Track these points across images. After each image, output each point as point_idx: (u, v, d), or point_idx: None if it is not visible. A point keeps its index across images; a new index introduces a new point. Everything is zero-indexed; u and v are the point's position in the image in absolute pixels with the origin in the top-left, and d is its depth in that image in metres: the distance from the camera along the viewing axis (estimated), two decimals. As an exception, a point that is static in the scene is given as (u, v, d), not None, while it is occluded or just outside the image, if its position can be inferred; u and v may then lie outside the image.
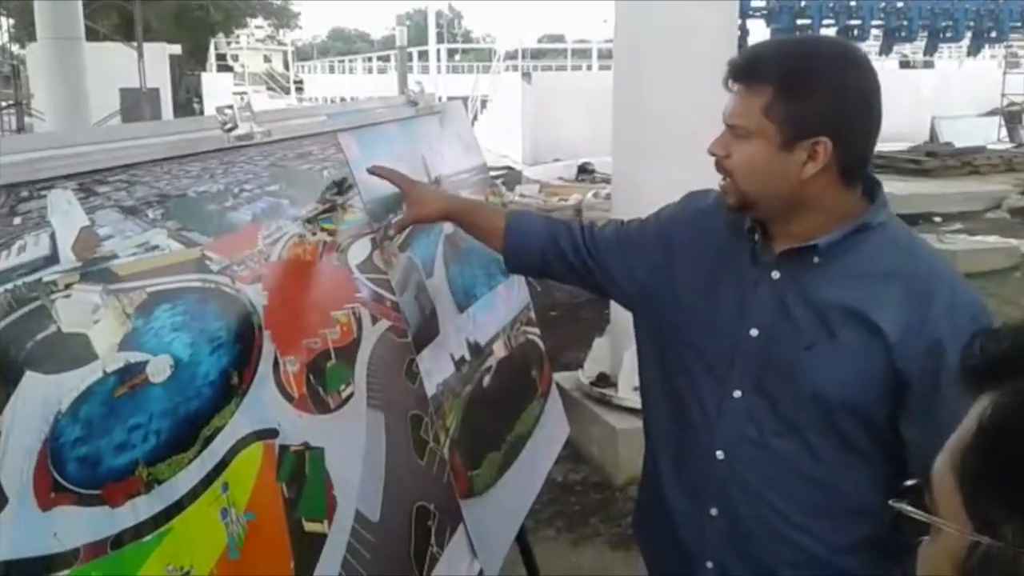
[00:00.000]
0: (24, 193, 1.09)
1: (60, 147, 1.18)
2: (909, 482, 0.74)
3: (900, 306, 1.42)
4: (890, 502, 0.74)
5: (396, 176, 1.91)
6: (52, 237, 1.10)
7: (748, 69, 1.45)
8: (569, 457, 4.49)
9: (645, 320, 1.73)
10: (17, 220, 1.07)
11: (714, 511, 1.58)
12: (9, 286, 1.02)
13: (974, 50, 16.07)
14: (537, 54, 31.77)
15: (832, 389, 1.45)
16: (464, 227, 1.96)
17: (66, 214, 1.13)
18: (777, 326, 1.50)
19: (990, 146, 16.01)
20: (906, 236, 1.54)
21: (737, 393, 1.54)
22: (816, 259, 1.48)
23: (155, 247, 1.25)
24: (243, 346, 1.36)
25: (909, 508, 0.72)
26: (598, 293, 1.87)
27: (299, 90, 34.70)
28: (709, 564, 1.60)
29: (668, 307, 1.64)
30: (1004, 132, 19.06)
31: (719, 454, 1.55)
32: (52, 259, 1.09)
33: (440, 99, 2.70)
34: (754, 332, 1.52)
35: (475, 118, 19.56)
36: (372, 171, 1.90)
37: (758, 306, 1.52)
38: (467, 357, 2.22)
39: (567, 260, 1.78)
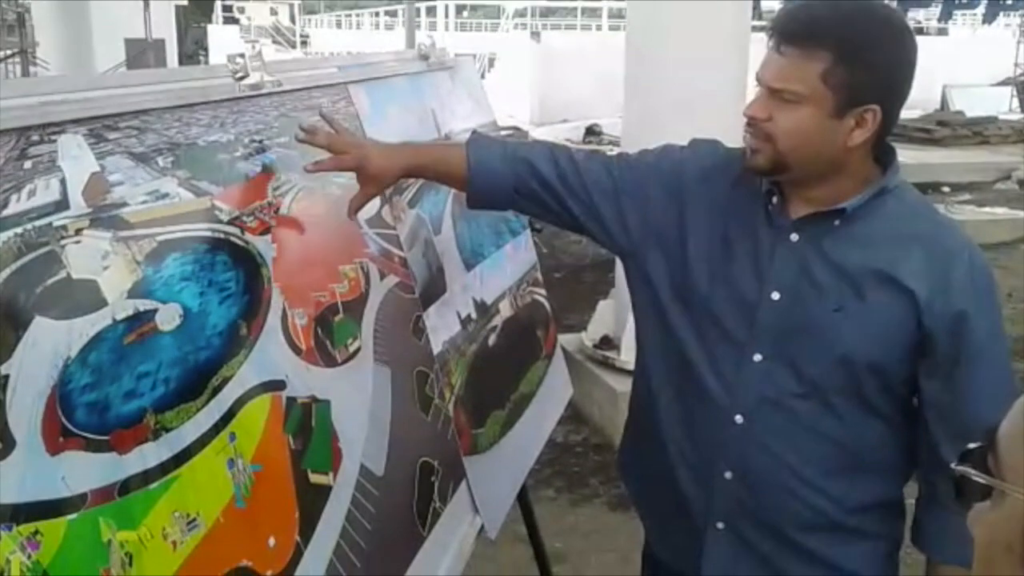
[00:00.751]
0: (35, 137, 1.08)
1: (71, 91, 1.16)
2: (971, 445, 0.73)
3: (924, 267, 1.45)
4: (952, 465, 0.73)
5: (338, 161, 1.58)
6: (62, 182, 1.09)
7: (806, 32, 1.40)
8: (570, 418, 4.51)
9: (641, 274, 1.65)
10: (27, 164, 1.05)
11: (728, 474, 1.58)
12: (19, 230, 1.01)
13: (989, 18, 15.91)
14: (546, 12, 31.48)
15: (862, 349, 1.47)
16: (424, 176, 1.78)
17: (76, 159, 1.12)
18: (800, 289, 1.50)
19: (1002, 116, 15.90)
20: (918, 199, 1.56)
21: (757, 357, 1.53)
22: (836, 222, 1.48)
23: (165, 195, 1.24)
24: (252, 297, 1.36)
25: (974, 472, 0.71)
26: (578, 232, 1.73)
27: (304, 44, 34.46)
28: (720, 525, 1.61)
29: (676, 265, 1.59)
30: (1016, 103, 18.92)
31: (738, 418, 1.55)
32: (62, 204, 1.08)
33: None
34: (775, 296, 1.51)
35: (482, 77, 19.41)
36: (301, 139, 1.56)
37: (777, 269, 1.51)
38: (473, 315, 2.21)
39: (540, 200, 1.66)
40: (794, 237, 1.51)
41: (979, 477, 0.71)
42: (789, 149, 1.44)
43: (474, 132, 1.82)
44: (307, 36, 35.98)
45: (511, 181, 1.66)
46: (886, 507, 1.61)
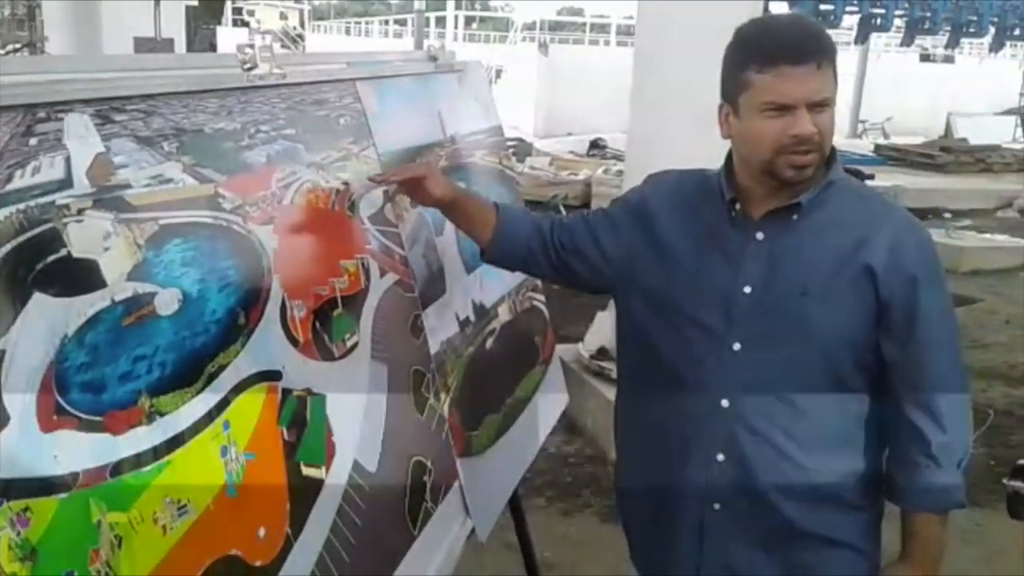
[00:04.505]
0: (41, 114, 1.08)
1: (80, 72, 1.16)
2: (1022, 461, 0.71)
3: (878, 243, 1.62)
4: (1005, 481, 0.72)
5: (406, 172, 1.81)
6: (67, 161, 1.09)
7: (816, 47, 1.57)
8: (564, 429, 4.50)
9: (629, 297, 1.81)
10: (33, 140, 1.06)
11: (721, 456, 1.70)
12: (22, 206, 1.01)
13: (996, 47, 15.92)
14: (555, 26, 31.56)
15: (830, 326, 1.63)
16: (457, 216, 1.90)
17: (82, 139, 1.12)
18: (769, 281, 1.65)
19: (1005, 145, 15.93)
20: (861, 186, 1.77)
21: (736, 346, 1.67)
22: (795, 217, 1.65)
23: (169, 180, 1.24)
24: (251, 287, 1.36)
25: None
26: (574, 283, 1.90)
27: (296, 43, 34.53)
28: (716, 506, 1.73)
29: (655, 280, 1.75)
30: (1020, 132, 18.97)
31: (724, 402, 1.68)
32: (66, 183, 1.08)
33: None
34: (747, 289, 1.66)
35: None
36: (374, 179, 1.80)
37: (747, 266, 1.67)
38: (472, 318, 2.21)
39: (548, 253, 1.85)
40: (759, 236, 1.67)
41: None
42: (826, 148, 1.61)
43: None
44: (302, 35, 36.03)
45: (526, 238, 1.86)
46: (867, 479, 1.72)
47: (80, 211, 1.09)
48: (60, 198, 1.06)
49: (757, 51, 1.58)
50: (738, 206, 1.69)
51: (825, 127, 1.58)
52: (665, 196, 1.79)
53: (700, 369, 1.70)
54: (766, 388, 1.66)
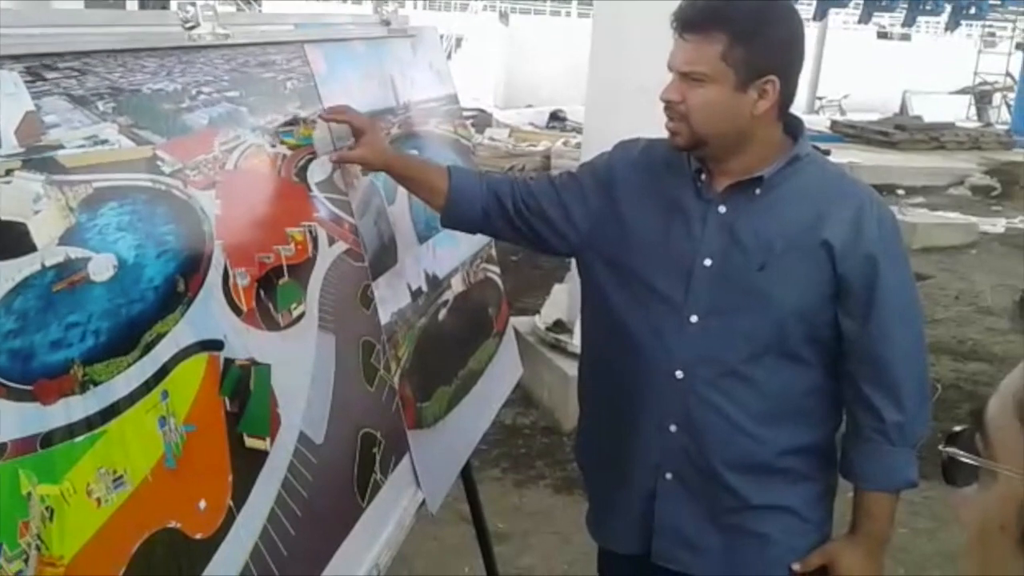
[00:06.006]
0: (-34, 70, 1.03)
1: (9, 26, 1.11)
2: (957, 428, 0.71)
3: (838, 220, 1.62)
4: (940, 447, 0.72)
5: (353, 117, 1.82)
6: (-7, 119, 1.04)
7: (703, 20, 1.57)
8: (519, 401, 4.50)
9: (591, 265, 1.82)
10: (-43, 98, 1.01)
11: (673, 427, 1.73)
12: (-56, 165, 0.96)
13: (952, 25, 16.10)
14: (516, -4, 31.31)
15: (786, 301, 1.64)
16: (404, 181, 1.94)
17: (11, 96, 1.07)
18: (728, 254, 1.66)
19: (959, 123, 16.13)
20: (826, 163, 1.77)
21: (694, 318, 1.68)
22: (758, 191, 1.66)
23: (104, 141, 1.19)
24: (192, 253, 1.32)
25: (963, 454, 0.69)
26: (537, 246, 1.91)
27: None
28: (668, 475, 1.76)
29: (618, 248, 1.75)
30: (973, 111, 19.23)
31: (678, 374, 1.70)
32: (-7, 142, 1.03)
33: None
34: (707, 262, 1.67)
35: (448, 58, 19.30)
36: (325, 117, 1.79)
37: (708, 238, 1.67)
38: (424, 288, 2.18)
39: (507, 215, 1.84)
40: (722, 208, 1.67)
41: (969, 459, 0.69)
42: (702, 123, 1.60)
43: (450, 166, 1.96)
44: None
45: (483, 196, 1.85)
46: (818, 453, 1.75)
47: (8, 172, 1.04)
48: (-14, 158, 1.02)
49: None
50: (703, 177, 1.69)
51: (693, 103, 1.59)
52: (632, 164, 1.79)
53: (657, 339, 1.71)
54: (720, 360, 1.68)
